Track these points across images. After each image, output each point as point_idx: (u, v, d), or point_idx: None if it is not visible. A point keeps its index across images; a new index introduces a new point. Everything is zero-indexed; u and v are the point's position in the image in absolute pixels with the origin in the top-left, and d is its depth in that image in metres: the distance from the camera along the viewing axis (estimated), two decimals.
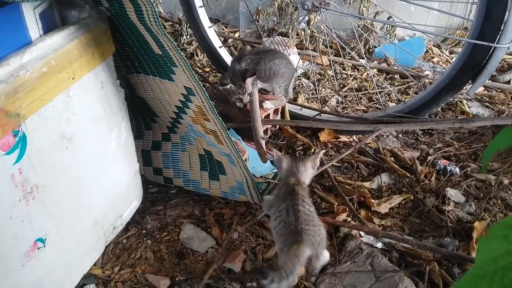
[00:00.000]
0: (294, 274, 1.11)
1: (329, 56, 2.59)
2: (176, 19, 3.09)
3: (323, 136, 1.98)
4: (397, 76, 2.53)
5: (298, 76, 2.51)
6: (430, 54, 2.82)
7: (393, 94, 2.34)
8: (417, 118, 1.83)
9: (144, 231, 1.53)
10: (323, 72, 2.56)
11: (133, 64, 1.36)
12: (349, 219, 1.55)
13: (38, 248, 1.09)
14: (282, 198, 1.27)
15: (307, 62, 2.64)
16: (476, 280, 0.42)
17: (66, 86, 1.06)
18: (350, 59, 2.70)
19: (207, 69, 2.62)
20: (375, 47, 2.80)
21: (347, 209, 1.56)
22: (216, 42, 2.25)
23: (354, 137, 1.98)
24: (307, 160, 1.35)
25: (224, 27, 3.16)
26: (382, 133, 1.99)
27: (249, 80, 1.77)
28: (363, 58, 2.64)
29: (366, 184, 1.72)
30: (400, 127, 1.85)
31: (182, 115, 1.44)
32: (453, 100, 2.25)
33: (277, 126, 2.04)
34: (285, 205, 1.24)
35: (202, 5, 2.17)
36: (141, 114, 1.59)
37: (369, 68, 2.42)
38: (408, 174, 1.76)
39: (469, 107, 2.23)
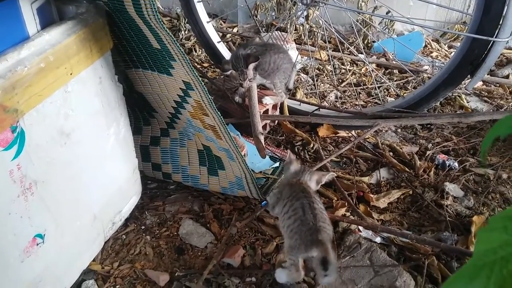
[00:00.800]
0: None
1: (327, 51, 2.58)
2: (174, 14, 3.08)
3: (322, 131, 1.97)
4: (396, 71, 2.53)
5: (297, 71, 2.50)
6: (429, 48, 2.82)
7: (392, 89, 2.34)
8: (416, 113, 1.83)
9: (143, 227, 1.53)
10: (321, 67, 2.55)
11: (131, 59, 1.35)
12: (348, 214, 1.56)
13: (37, 244, 1.09)
14: (295, 197, 1.25)
15: (306, 57, 2.63)
16: (475, 271, 0.42)
17: (64, 82, 1.05)
18: (349, 54, 2.70)
19: (205, 64, 2.62)
20: (374, 42, 2.80)
21: (346, 204, 1.57)
22: (214, 37, 2.25)
23: (353, 132, 1.98)
24: (314, 174, 1.33)
25: (222, 22, 3.15)
26: (381, 128, 1.99)
27: (251, 66, 1.74)
28: (362, 53, 2.64)
29: (365, 179, 1.72)
30: (399, 122, 1.85)
31: (180, 110, 1.44)
32: (452, 95, 2.25)
33: (276, 122, 2.04)
34: (300, 203, 1.22)
35: (200, 0, 2.16)
36: (139, 109, 1.59)
37: (368, 63, 2.42)
38: (407, 169, 1.76)
39: (467, 102, 2.23)
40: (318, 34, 2.78)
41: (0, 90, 0.88)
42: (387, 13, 2.47)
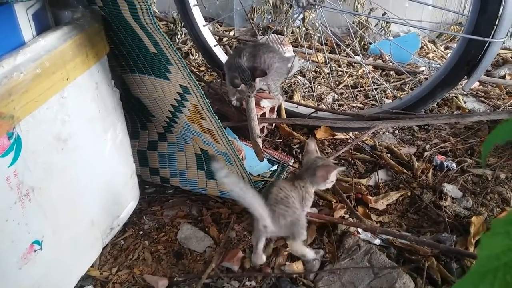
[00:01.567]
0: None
1: (324, 53, 2.59)
2: (170, 18, 3.08)
3: (320, 134, 1.97)
4: (392, 73, 2.54)
5: (294, 74, 2.50)
6: (425, 50, 2.83)
7: (389, 91, 2.34)
8: (413, 114, 1.83)
9: (141, 232, 1.52)
10: (318, 70, 2.55)
11: (128, 64, 1.35)
12: (346, 216, 1.55)
13: (35, 251, 1.08)
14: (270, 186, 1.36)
15: (303, 60, 2.63)
16: (479, 277, 0.42)
17: (60, 87, 1.05)
18: (346, 56, 2.70)
19: (202, 68, 2.62)
20: (370, 43, 2.80)
21: (345, 206, 1.56)
22: (211, 40, 2.25)
23: (351, 134, 1.98)
24: (320, 170, 1.35)
25: (218, 26, 3.16)
26: (378, 129, 1.99)
27: (258, 80, 1.72)
28: (358, 55, 2.64)
29: (363, 181, 1.72)
30: (397, 124, 1.85)
31: (178, 114, 1.44)
32: (449, 96, 2.25)
33: (274, 125, 2.04)
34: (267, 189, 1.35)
35: (196, 3, 2.16)
36: (136, 114, 1.59)
37: (364, 65, 2.42)
38: (405, 170, 1.76)
39: (464, 102, 2.24)
40: (315, 36, 2.79)
41: None
42: (383, 15, 2.47)
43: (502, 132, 0.44)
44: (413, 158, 1.81)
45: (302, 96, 2.28)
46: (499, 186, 1.66)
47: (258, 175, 1.74)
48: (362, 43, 2.82)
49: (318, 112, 2.01)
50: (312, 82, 2.40)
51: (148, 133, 1.63)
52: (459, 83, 1.80)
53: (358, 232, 1.48)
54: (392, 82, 2.44)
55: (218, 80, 2.16)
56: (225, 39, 2.91)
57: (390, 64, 2.59)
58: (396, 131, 2.04)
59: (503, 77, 2.50)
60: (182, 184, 1.66)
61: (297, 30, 2.91)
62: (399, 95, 2.23)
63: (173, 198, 1.66)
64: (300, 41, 2.80)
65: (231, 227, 1.50)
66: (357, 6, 2.79)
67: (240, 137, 1.89)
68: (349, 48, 2.70)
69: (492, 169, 1.75)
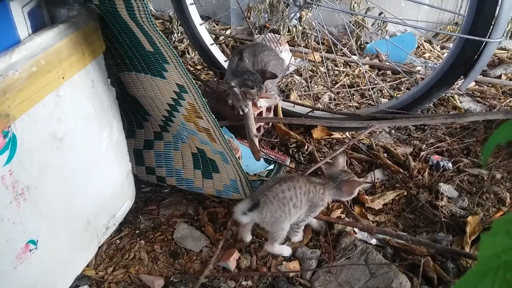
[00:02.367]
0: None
1: (321, 52, 2.58)
2: (166, 16, 3.07)
3: (316, 133, 1.97)
4: (389, 72, 2.54)
5: (291, 73, 2.50)
6: (421, 49, 2.83)
7: (386, 90, 2.35)
8: (410, 114, 1.83)
9: (137, 231, 1.51)
10: (315, 69, 2.55)
11: (124, 62, 1.34)
12: (343, 215, 1.55)
13: (30, 250, 1.08)
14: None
15: (299, 59, 2.63)
16: (479, 277, 0.42)
17: (56, 86, 1.04)
18: (342, 56, 2.70)
19: (198, 67, 2.61)
20: (366, 43, 2.80)
21: (341, 206, 1.56)
22: (207, 39, 2.24)
23: (347, 133, 1.98)
24: (346, 184, 1.36)
25: (215, 25, 3.15)
26: (375, 129, 1.99)
27: (267, 82, 1.73)
28: (355, 55, 2.64)
29: (360, 180, 1.72)
30: (393, 123, 1.85)
31: (174, 113, 1.43)
32: (445, 96, 2.26)
33: (270, 124, 2.03)
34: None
35: (192, 2, 2.15)
36: (132, 113, 1.58)
37: (361, 64, 2.43)
38: (401, 170, 1.77)
39: (460, 102, 2.24)
40: (311, 35, 2.79)
41: None
42: (379, 14, 2.47)
43: (504, 132, 0.44)
44: (409, 158, 1.81)
45: (298, 96, 2.28)
46: (495, 186, 1.67)
47: (255, 175, 1.74)
48: (359, 42, 2.82)
49: (314, 111, 2.01)
50: (308, 81, 2.40)
51: (144, 132, 1.62)
52: (455, 83, 1.80)
53: (354, 232, 1.48)
54: (389, 82, 2.44)
55: (215, 79, 2.16)
56: (221, 38, 2.90)
57: (387, 63, 2.59)
58: (393, 131, 2.05)
59: (499, 77, 2.50)
60: (179, 183, 1.65)
61: (294, 29, 2.91)
62: (395, 95, 2.23)
63: (169, 197, 1.66)
64: (296, 40, 2.80)
65: (228, 227, 1.49)
66: (353, 5, 2.79)
67: (236, 136, 1.89)
68: (346, 48, 2.70)
69: (488, 169, 1.76)
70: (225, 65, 2.25)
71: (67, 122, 1.11)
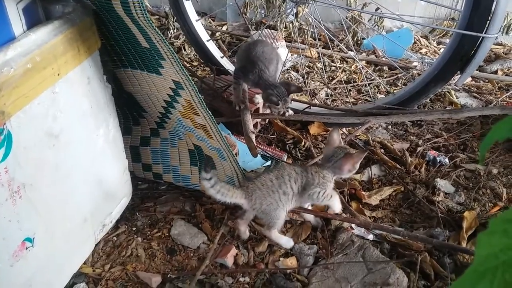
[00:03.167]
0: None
1: (317, 48, 2.58)
2: (162, 13, 3.06)
3: (313, 129, 1.97)
4: (385, 68, 2.54)
5: (287, 69, 2.50)
6: (418, 45, 2.83)
7: (382, 86, 2.34)
8: (406, 109, 1.83)
9: (134, 228, 1.51)
10: (312, 65, 2.55)
11: (120, 59, 1.33)
12: (340, 211, 1.55)
13: (27, 248, 1.07)
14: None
15: (296, 55, 2.63)
16: (477, 277, 0.42)
17: (51, 83, 1.03)
18: (339, 51, 2.69)
19: (195, 63, 2.60)
20: (363, 39, 2.80)
21: None
22: (203, 35, 2.23)
23: (344, 129, 1.98)
24: (345, 161, 1.35)
25: (211, 21, 3.14)
26: (371, 125, 1.99)
27: (291, 96, 1.72)
28: (351, 50, 2.64)
29: (357, 176, 1.72)
30: (390, 119, 1.85)
31: (171, 109, 1.43)
32: (442, 91, 2.26)
33: (267, 120, 2.03)
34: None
35: None
36: (129, 110, 1.57)
37: (357, 60, 2.42)
38: (398, 166, 1.77)
39: (457, 98, 2.24)
40: (308, 31, 2.78)
41: None
42: (376, 10, 2.47)
43: (502, 129, 0.44)
44: (406, 154, 1.82)
45: None
46: (491, 181, 1.67)
47: (252, 171, 1.73)
48: (356, 38, 2.82)
49: (311, 107, 2.01)
50: (305, 77, 2.39)
51: (140, 129, 1.62)
52: (452, 79, 1.80)
53: (351, 228, 1.48)
54: (385, 78, 2.44)
55: (211, 75, 2.15)
56: (218, 34, 2.89)
57: (383, 59, 2.59)
58: (389, 127, 2.05)
59: (495, 72, 2.51)
60: (175, 180, 1.65)
61: (290, 25, 2.91)
62: (392, 91, 2.23)
63: (166, 194, 1.65)
64: (293, 36, 2.79)
65: (224, 223, 1.49)
66: (350, 1, 2.78)
67: (233, 132, 1.89)
68: (343, 43, 2.70)
69: (484, 164, 1.76)
70: (222, 61, 2.25)
71: (63, 119, 1.10)
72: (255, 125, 1.92)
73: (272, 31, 2.65)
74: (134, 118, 1.60)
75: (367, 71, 2.47)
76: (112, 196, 1.44)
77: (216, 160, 1.51)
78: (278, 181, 1.33)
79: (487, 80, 2.42)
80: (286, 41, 2.66)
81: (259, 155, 1.75)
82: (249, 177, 1.39)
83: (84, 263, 1.37)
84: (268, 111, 1.86)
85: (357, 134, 1.92)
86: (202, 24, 2.26)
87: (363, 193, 1.62)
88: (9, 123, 0.93)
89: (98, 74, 1.23)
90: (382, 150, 1.87)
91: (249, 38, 2.72)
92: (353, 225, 1.48)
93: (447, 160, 1.78)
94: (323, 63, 2.53)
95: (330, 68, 2.54)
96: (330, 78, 2.45)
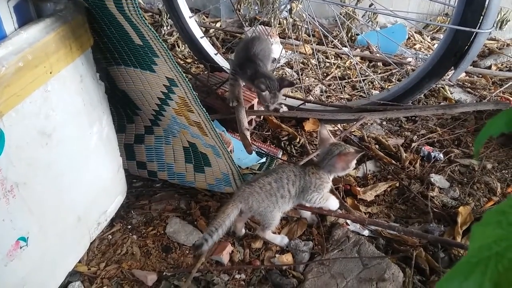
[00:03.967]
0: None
1: (312, 44, 2.58)
2: (156, 9, 3.04)
3: (308, 126, 1.97)
4: (380, 64, 2.54)
5: (282, 66, 2.49)
6: (412, 40, 2.83)
7: (377, 82, 2.35)
8: (401, 105, 1.83)
9: (129, 226, 1.51)
10: (306, 61, 2.55)
11: (113, 56, 1.33)
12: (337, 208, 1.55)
13: (21, 247, 1.07)
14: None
15: (290, 51, 2.62)
16: (470, 268, 0.42)
17: (43, 81, 1.02)
18: (333, 48, 2.69)
19: (189, 60, 2.59)
20: (357, 35, 2.80)
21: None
22: (197, 32, 2.22)
23: (339, 125, 1.98)
24: (339, 159, 1.34)
25: (205, 17, 3.12)
26: (366, 121, 1.99)
27: (283, 91, 1.70)
28: (346, 46, 2.64)
29: (352, 172, 1.72)
30: (384, 115, 1.85)
31: (165, 107, 1.42)
32: (436, 87, 2.26)
33: (262, 117, 2.03)
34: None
35: None
36: (122, 107, 1.56)
37: (352, 56, 2.42)
38: (393, 161, 1.77)
39: (451, 93, 2.25)
40: (302, 28, 2.77)
41: None
42: (370, 6, 2.46)
43: (496, 124, 0.44)
44: (400, 149, 1.82)
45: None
46: (485, 176, 1.68)
47: (247, 168, 1.73)
48: (350, 34, 2.81)
49: (306, 104, 2.00)
50: (299, 73, 2.39)
51: (134, 127, 1.61)
52: (446, 74, 1.81)
53: (347, 224, 1.48)
54: (380, 73, 2.44)
55: (205, 72, 2.14)
56: (211, 30, 2.88)
57: (378, 55, 2.59)
58: (384, 122, 2.05)
59: (489, 67, 2.51)
60: (170, 178, 1.64)
61: (284, 21, 2.90)
62: (386, 86, 2.24)
63: (161, 192, 1.65)
64: (287, 33, 2.78)
65: None
66: None
67: (228, 129, 1.88)
68: (337, 40, 2.70)
69: (479, 159, 1.77)
70: (216, 58, 2.24)
71: (55, 118, 1.09)
72: (249, 122, 1.92)
73: (266, 27, 2.64)
74: (128, 116, 1.59)
75: (361, 67, 2.47)
76: (106, 194, 1.43)
77: (211, 157, 1.51)
78: (277, 184, 1.32)
79: (481, 75, 2.43)
80: (280, 37, 2.66)
81: (254, 152, 1.75)
82: (247, 181, 1.37)
83: (79, 261, 1.37)
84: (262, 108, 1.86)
85: (352, 130, 1.92)
86: (196, 21, 2.25)
87: (358, 189, 1.62)
88: (1, 122, 0.92)
89: (91, 72, 1.22)
90: (377, 146, 1.87)
91: (243, 34, 2.71)
92: (348, 221, 1.49)
93: (441, 155, 1.79)
94: (318, 59, 2.53)
95: (325, 64, 2.54)
96: (325, 74, 2.45)
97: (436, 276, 1.31)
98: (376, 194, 1.62)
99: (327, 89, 2.30)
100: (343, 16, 2.72)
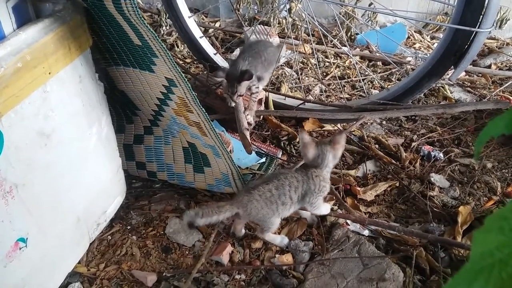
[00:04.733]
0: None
1: (311, 44, 2.57)
2: (155, 9, 3.04)
3: (308, 126, 1.97)
4: (379, 63, 2.54)
5: (281, 65, 2.49)
6: (411, 40, 2.83)
7: (376, 81, 2.34)
8: (401, 104, 1.83)
9: (129, 227, 1.50)
10: (306, 61, 2.54)
11: (112, 56, 1.32)
12: (335, 207, 1.55)
13: (20, 248, 1.06)
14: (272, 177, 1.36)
15: (290, 51, 2.62)
16: (473, 275, 0.41)
17: (42, 82, 1.02)
18: (333, 47, 2.69)
19: (188, 60, 2.59)
20: (357, 34, 2.79)
21: (333, 197, 1.56)
22: (196, 32, 2.22)
23: (339, 125, 1.98)
24: (330, 152, 1.33)
25: (204, 17, 3.12)
26: (366, 120, 1.99)
27: (244, 83, 1.66)
28: (345, 46, 2.63)
29: (352, 172, 1.72)
30: (384, 114, 1.85)
31: (164, 107, 1.42)
32: (436, 86, 2.26)
33: (261, 117, 2.02)
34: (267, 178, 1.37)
35: None
36: (121, 108, 1.56)
37: (351, 56, 2.42)
38: (393, 161, 1.77)
39: (451, 93, 2.25)
40: (301, 27, 2.77)
41: None
42: (369, 5, 2.46)
43: (498, 125, 0.44)
44: (400, 149, 1.82)
45: (289, 88, 2.27)
46: (485, 176, 1.68)
47: (247, 168, 1.73)
48: (349, 33, 2.81)
49: (306, 103, 2.00)
50: (299, 73, 2.39)
51: (134, 127, 1.61)
52: (446, 73, 1.80)
53: (347, 224, 1.48)
54: (379, 73, 2.44)
55: (205, 72, 2.14)
56: (211, 30, 2.88)
57: (377, 54, 2.59)
58: (384, 122, 2.05)
59: (489, 66, 2.51)
60: (170, 178, 1.64)
61: (284, 21, 2.89)
62: (386, 86, 2.23)
63: (160, 192, 1.65)
64: (286, 32, 2.78)
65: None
66: None
67: (227, 129, 1.88)
68: (336, 39, 2.69)
69: (479, 159, 1.76)
70: (215, 58, 2.23)
71: (54, 118, 1.09)
72: (249, 122, 1.91)
73: (266, 27, 2.64)
74: (127, 116, 1.59)
75: (361, 66, 2.47)
76: (106, 195, 1.43)
77: (211, 157, 1.50)
78: (278, 191, 1.30)
79: (481, 75, 2.42)
80: (279, 37, 2.65)
81: (253, 152, 1.75)
82: (247, 188, 1.34)
83: (79, 262, 1.36)
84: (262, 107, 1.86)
85: (352, 130, 1.92)
86: (195, 21, 2.25)
87: (358, 188, 1.62)
88: (0, 123, 0.92)
89: (90, 72, 1.21)
90: (377, 146, 1.87)
91: (242, 34, 2.71)
92: (348, 221, 1.48)
93: (441, 155, 1.79)
94: (317, 59, 2.53)
95: (324, 64, 2.54)
96: (324, 74, 2.45)
97: (436, 276, 1.31)
98: (376, 194, 1.62)
99: (326, 88, 2.29)
100: (343, 16, 2.72)
